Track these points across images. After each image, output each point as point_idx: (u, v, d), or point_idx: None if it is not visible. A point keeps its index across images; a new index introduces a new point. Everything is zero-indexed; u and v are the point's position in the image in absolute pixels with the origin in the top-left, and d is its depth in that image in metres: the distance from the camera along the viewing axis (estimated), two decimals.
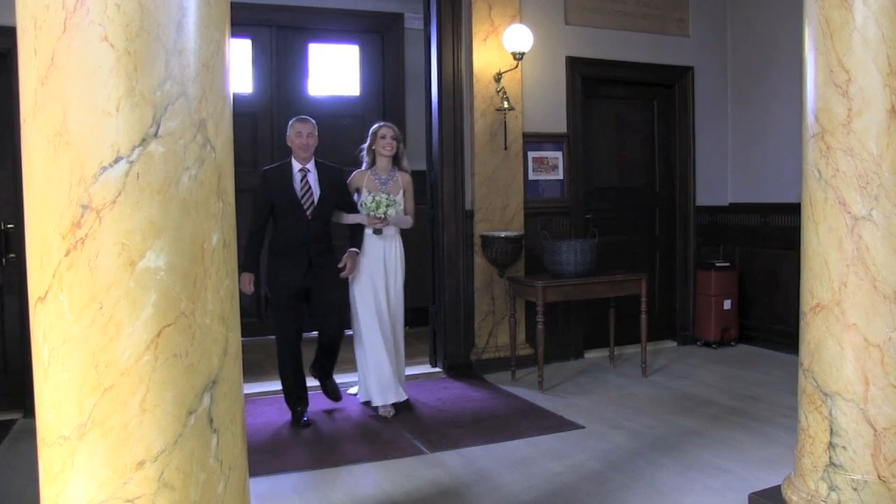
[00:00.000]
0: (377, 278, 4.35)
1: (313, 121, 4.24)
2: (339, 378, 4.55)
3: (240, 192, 1.95)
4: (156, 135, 1.54)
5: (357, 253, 4.33)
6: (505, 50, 5.15)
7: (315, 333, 4.39)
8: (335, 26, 6.72)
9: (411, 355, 5.09)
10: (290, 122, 4.24)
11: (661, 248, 6.21)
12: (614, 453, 3.64)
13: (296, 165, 4.18)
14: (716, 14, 6.16)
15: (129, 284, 1.53)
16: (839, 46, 2.44)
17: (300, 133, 4.15)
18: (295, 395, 4.21)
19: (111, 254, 1.52)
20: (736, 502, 3.02)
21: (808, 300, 2.61)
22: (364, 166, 4.50)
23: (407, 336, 4.71)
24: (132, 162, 1.53)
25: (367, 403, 4.45)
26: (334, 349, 4.36)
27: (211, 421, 1.64)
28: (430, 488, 3.27)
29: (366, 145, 4.49)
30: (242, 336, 1.83)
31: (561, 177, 5.61)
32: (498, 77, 5.21)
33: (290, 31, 6.57)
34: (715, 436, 3.85)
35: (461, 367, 5.25)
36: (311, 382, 4.36)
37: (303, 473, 3.47)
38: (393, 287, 4.40)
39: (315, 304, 4.20)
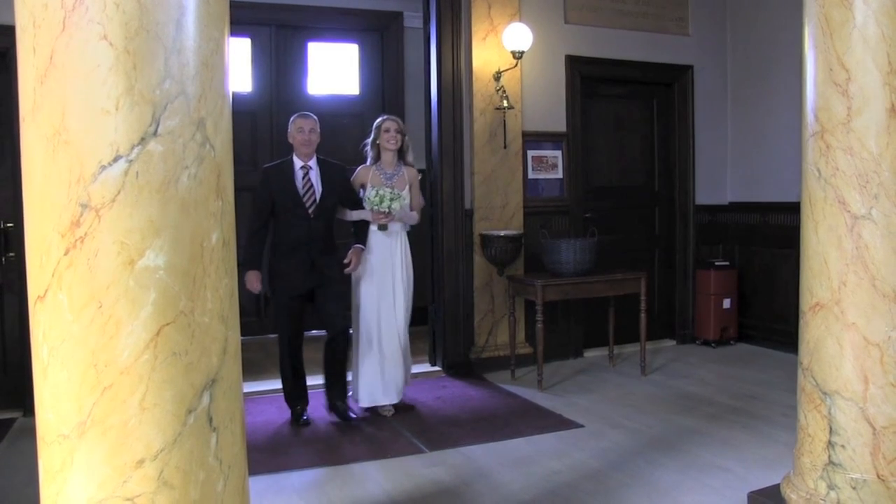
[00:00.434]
0: (384, 277, 4.24)
1: (315, 117, 4.17)
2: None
3: (239, 190, 1.95)
4: (155, 133, 1.54)
5: (362, 249, 4.22)
6: (504, 49, 5.14)
7: (314, 333, 4.34)
8: (334, 25, 6.72)
9: (411, 354, 5.07)
10: (292, 118, 4.17)
11: (660, 246, 6.21)
12: (614, 452, 3.65)
13: (297, 162, 4.11)
14: (715, 13, 6.16)
15: (128, 283, 1.53)
16: (839, 45, 2.44)
17: (302, 129, 4.07)
18: (294, 394, 4.20)
19: (110, 253, 1.52)
20: (735, 501, 3.02)
21: (807, 299, 2.61)
22: (369, 161, 4.39)
23: None
24: (131, 161, 1.52)
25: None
26: (340, 357, 4.20)
27: (210, 419, 1.64)
28: (430, 487, 3.27)
29: (370, 140, 4.38)
30: (242, 335, 1.83)
31: (560, 176, 5.61)
32: (497, 76, 5.21)
33: (289, 30, 6.57)
34: (714, 435, 3.86)
35: (461, 365, 5.25)
36: (311, 381, 4.33)
37: (302, 472, 3.47)
38: (401, 286, 4.28)
39: (320, 304, 4.13)
